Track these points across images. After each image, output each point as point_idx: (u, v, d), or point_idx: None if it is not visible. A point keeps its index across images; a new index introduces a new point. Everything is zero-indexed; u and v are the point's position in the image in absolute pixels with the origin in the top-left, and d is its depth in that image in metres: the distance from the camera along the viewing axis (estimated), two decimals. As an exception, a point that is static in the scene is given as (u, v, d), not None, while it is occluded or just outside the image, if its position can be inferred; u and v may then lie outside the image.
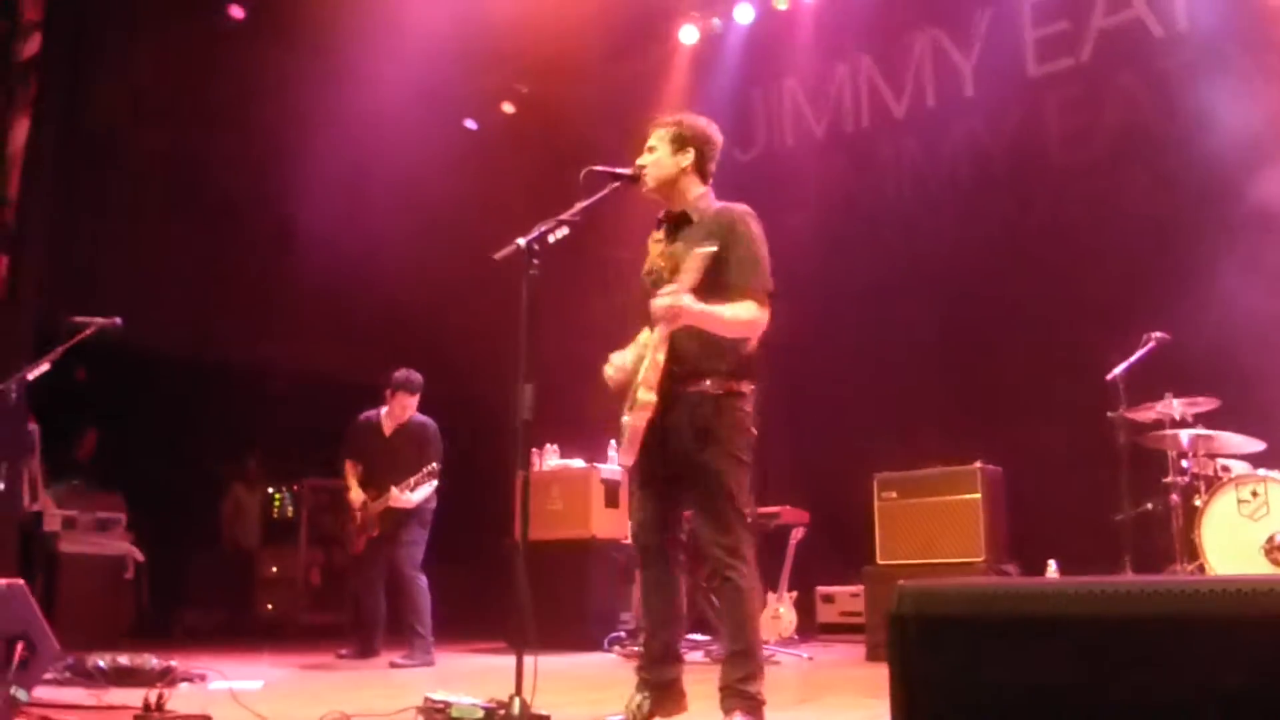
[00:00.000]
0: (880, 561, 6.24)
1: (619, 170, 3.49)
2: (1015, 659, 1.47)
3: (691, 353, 3.31)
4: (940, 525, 6.05)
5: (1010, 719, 1.43)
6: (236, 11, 8.81)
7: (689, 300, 3.17)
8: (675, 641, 3.47)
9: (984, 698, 1.45)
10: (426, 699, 3.34)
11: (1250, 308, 6.35)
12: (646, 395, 3.23)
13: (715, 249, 3.21)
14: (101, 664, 4.50)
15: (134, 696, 3.61)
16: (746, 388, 3.38)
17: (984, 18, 8.69)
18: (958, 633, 1.50)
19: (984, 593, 1.50)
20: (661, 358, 3.24)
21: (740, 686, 3.21)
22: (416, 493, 6.21)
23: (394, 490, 6.18)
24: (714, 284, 3.26)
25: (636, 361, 3.40)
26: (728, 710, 3.22)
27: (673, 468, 3.36)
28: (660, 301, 3.20)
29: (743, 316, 3.27)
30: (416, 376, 6.49)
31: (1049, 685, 1.42)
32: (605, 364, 3.50)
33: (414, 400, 6.48)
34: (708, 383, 3.30)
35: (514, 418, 3.27)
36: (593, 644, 6.91)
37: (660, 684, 3.39)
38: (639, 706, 3.36)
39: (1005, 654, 1.47)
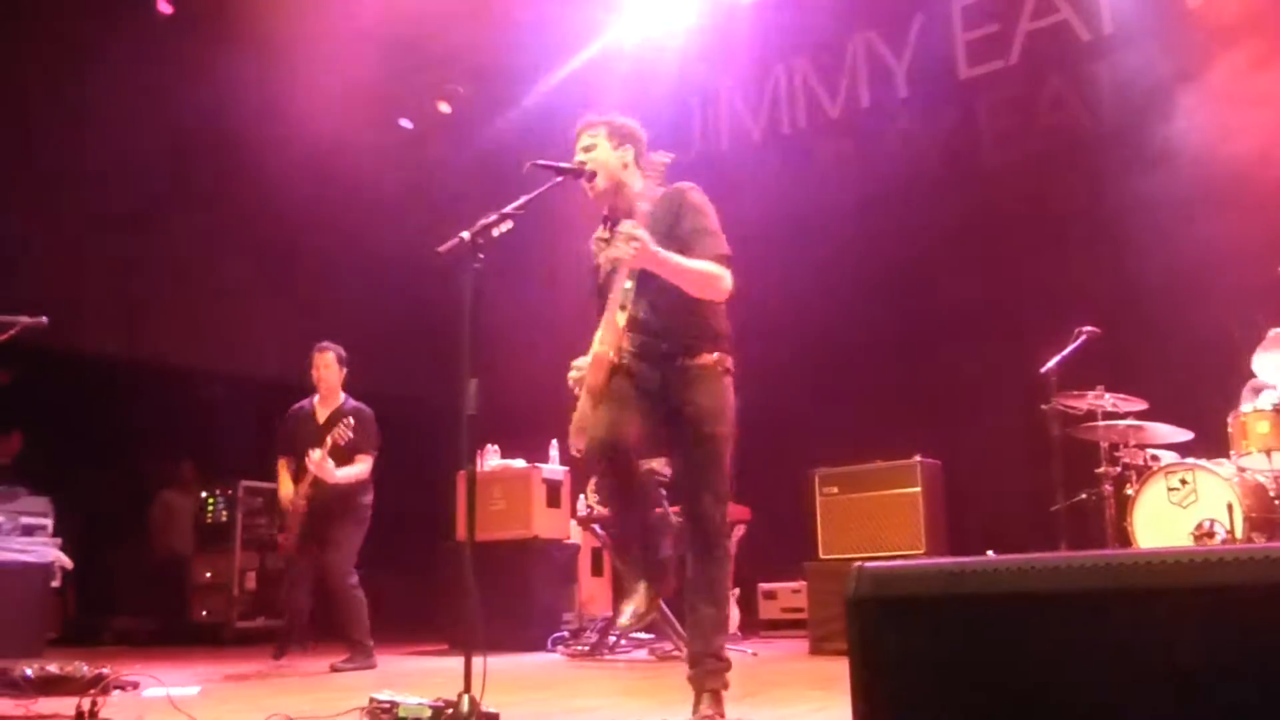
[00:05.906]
0: (822, 556, 6.30)
1: (563, 164, 3.47)
2: (975, 637, 1.47)
3: (683, 327, 3.31)
4: (881, 519, 6.12)
5: (971, 697, 1.44)
6: (164, 6, 8.63)
7: (646, 236, 3.09)
8: (648, 523, 3.34)
9: (944, 677, 1.46)
10: (372, 699, 3.28)
11: (1174, 301, 6.54)
12: (600, 347, 3.20)
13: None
14: (29, 673, 4.31)
15: (65, 705, 3.49)
16: (732, 364, 3.41)
17: (915, 21, 8.83)
18: (916, 612, 1.51)
19: (941, 571, 1.51)
20: (623, 319, 3.20)
21: (722, 652, 3.29)
22: (342, 470, 5.91)
23: (313, 454, 5.82)
24: None
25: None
26: (710, 673, 3.25)
27: (675, 428, 3.31)
28: (624, 227, 3.10)
29: (705, 269, 3.25)
30: (334, 345, 6.32)
31: (1009, 662, 1.43)
32: (569, 369, 3.39)
33: (326, 358, 6.24)
34: (713, 356, 3.34)
35: (453, 418, 3.20)
36: (536, 644, 6.87)
37: (650, 565, 3.33)
38: (641, 599, 3.32)
39: (965, 632, 1.48)
